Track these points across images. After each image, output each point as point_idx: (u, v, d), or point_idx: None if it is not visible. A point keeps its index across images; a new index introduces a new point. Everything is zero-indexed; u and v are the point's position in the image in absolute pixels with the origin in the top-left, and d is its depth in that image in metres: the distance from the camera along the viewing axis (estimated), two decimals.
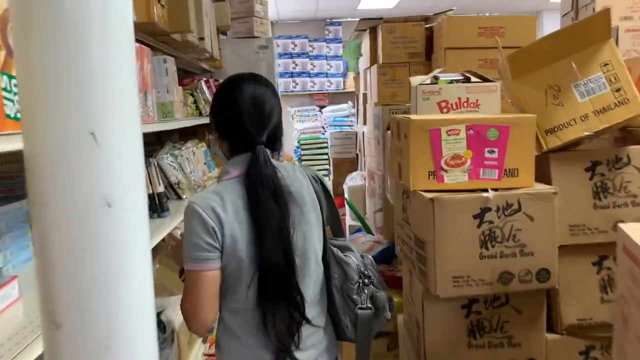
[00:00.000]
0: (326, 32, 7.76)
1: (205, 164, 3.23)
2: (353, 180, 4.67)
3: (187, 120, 2.79)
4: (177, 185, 2.65)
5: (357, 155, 5.32)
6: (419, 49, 4.01)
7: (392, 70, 4.06)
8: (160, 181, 2.30)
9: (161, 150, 2.76)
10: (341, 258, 1.52)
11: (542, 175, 1.64)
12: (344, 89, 7.70)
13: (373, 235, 3.29)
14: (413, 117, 1.60)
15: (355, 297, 1.49)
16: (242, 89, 1.43)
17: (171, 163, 2.70)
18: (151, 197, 2.25)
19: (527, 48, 1.67)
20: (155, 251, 2.44)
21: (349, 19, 7.79)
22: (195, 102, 3.45)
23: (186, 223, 1.37)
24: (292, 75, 7.55)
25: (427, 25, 4.03)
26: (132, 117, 0.83)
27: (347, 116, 7.24)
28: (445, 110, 2.91)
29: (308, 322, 1.41)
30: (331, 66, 7.68)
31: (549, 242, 1.52)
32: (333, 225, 1.60)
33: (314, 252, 1.46)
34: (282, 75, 7.43)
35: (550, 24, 7.54)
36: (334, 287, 1.51)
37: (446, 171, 1.57)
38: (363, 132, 4.93)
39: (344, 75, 7.78)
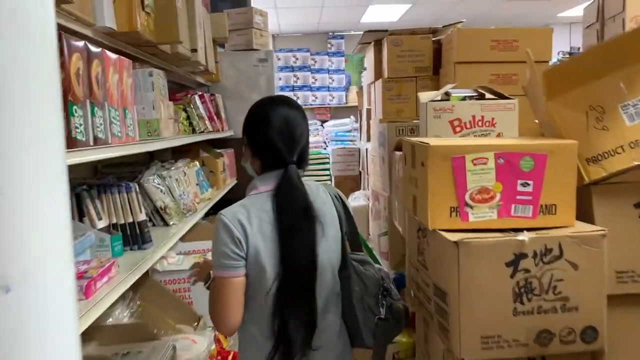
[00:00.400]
0: (328, 45, 7.55)
1: (197, 184, 2.97)
2: (356, 200, 4.41)
3: (177, 138, 2.54)
4: (163, 211, 2.39)
5: (360, 172, 5.07)
6: (427, 63, 3.78)
7: (398, 85, 3.83)
8: (142, 208, 2.04)
9: (147, 171, 2.51)
10: (362, 271, 1.59)
11: (583, 212, 1.38)
12: (346, 103, 7.47)
13: (379, 264, 3.01)
14: (432, 142, 1.34)
15: (374, 307, 1.56)
16: (275, 111, 1.53)
17: (158, 185, 2.45)
18: (131, 227, 1.99)
19: (566, 63, 1.42)
20: (136, 287, 2.18)
21: (352, 32, 7.57)
22: (188, 117, 3.20)
23: (215, 233, 1.47)
24: (293, 88, 7.32)
25: (434, 38, 3.80)
26: (50, 152, 0.56)
27: (350, 131, 7.00)
28: (458, 129, 2.66)
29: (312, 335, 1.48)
30: (333, 80, 7.45)
31: (597, 295, 1.26)
32: (352, 240, 1.66)
33: (331, 266, 1.54)
34: (283, 88, 7.20)
35: (558, 39, 7.32)
36: (354, 298, 1.56)
37: (471, 207, 1.31)
38: (367, 149, 4.68)
39: (346, 89, 7.55)
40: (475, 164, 1.30)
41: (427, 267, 1.41)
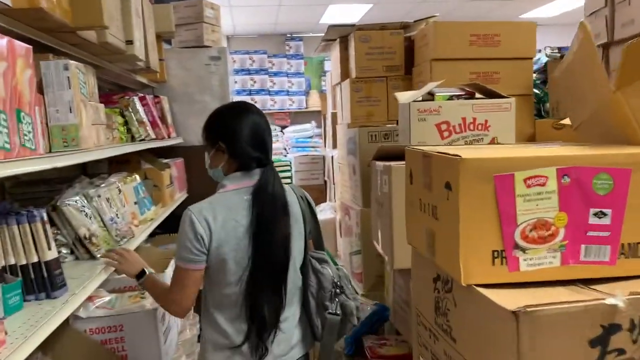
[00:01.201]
0: (287, 47, 7.06)
1: (136, 203, 2.43)
2: (322, 212, 3.93)
3: (103, 149, 1.98)
4: (88, 240, 1.85)
5: (325, 182, 4.61)
6: (398, 61, 3.37)
7: (367, 85, 3.40)
8: (52, 242, 1.50)
9: (68, 191, 1.96)
10: (317, 269, 1.71)
11: None
12: (307, 107, 7.00)
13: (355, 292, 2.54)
14: (463, 152, 0.88)
15: (327, 303, 1.68)
16: (249, 117, 1.66)
17: (82, 208, 1.91)
18: (35, 269, 1.45)
19: None
20: (49, 342, 1.64)
21: (311, 34, 7.12)
22: (126, 123, 2.66)
23: (181, 226, 1.58)
24: (250, 93, 6.79)
25: (406, 35, 3.40)
26: None
27: (311, 137, 6.55)
28: (446, 134, 2.24)
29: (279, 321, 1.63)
30: (292, 84, 6.96)
31: None
32: (315, 239, 1.80)
33: (293, 262, 1.66)
34: (239, 92, 6.67)
35: None
36: (309, 293, 1.71)
37: (524, 250, 0.86)
38: (332, 157, 4.22)
39: (307, 93, 7.08)
40: (528, 186, 0.85)
41: (453, 337, 0.94)
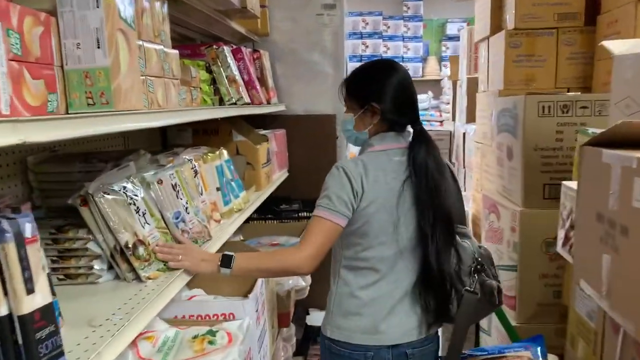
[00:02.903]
0: (404, 8, 6.07)
1: (218, 189, 1.71)
2: None
3: (145, 114, 1.21)
4: (130, 251, 1.15)
5: (453, 164, 3.68)
6: (576, 7, 2.39)
7: (529, 40, 2.44)
8: (41, 281, 0.79)
9: (113, 172, 1.26)
10: (458, 242, 1.54)
11: None
12: (423, 76, 6.01)
13: (516, 336, 1.67)
14: None
15: (465, 278, 1.51)
16: (400, 76, 1.52)
17: (130, 200, 1.20)
18: (3, 328, 0.75)
19: None
20: None
21: None
22: (213, 81, 1.93)
23: (333, 178, 1.46)
24: (361, 58, 5.92)
25: None
26: None
27: (427, 109, 5.60)
28: None
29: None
30: (408, 49, 5.99)
31: None
32: (459, 212, 1.61)
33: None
34: (349, 59, 5.83)
35: None
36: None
37: None
38: (464, 134, 3.29)
39: (424, 60, 6.09)
40: None
41: None
